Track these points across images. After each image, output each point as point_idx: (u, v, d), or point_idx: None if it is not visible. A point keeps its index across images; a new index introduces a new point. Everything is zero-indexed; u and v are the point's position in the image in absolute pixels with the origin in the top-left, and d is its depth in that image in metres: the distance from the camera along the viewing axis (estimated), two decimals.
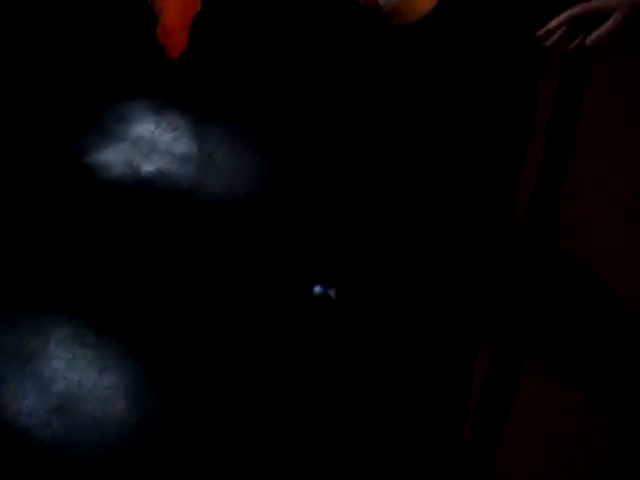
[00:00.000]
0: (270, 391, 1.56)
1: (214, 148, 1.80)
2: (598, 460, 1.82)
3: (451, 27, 1.82)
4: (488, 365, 1.74)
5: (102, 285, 1.66)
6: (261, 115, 1.83)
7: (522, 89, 1.91)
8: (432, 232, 1.71)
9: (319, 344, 1.58)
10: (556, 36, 1.40)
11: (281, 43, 1.88)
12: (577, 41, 1.45)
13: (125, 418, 1.52)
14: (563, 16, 1.41)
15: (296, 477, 1.48)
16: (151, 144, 1.80)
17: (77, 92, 1.86)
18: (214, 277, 1.67)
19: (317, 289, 1.60)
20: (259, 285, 1.66)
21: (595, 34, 1.40)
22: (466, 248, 1.72)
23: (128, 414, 1.52)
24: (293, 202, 1.74)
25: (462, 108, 1.85)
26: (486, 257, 1.75)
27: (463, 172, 1.78)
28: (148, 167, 1.78)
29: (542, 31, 1.41)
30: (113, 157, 1.79)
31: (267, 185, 1.77)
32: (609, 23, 1.40)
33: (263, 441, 1.51)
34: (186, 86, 1.85)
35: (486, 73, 1.88)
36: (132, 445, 1.50)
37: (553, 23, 1.41)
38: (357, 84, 1.83)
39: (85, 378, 1.55)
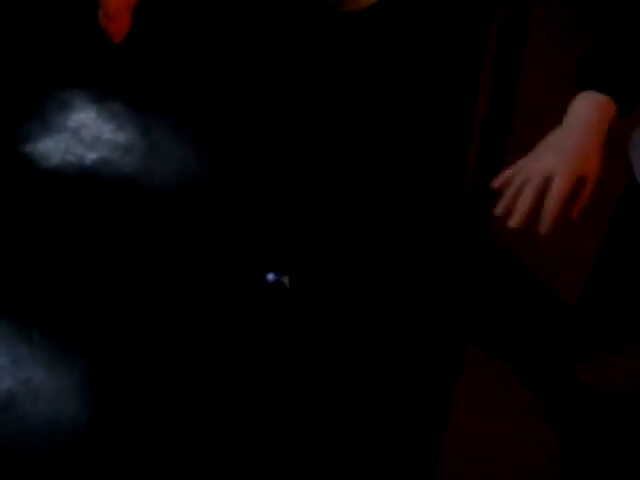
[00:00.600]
0: (224, 383, 1.54)
1: (158, 136, 1.76)
2: (540, 461, 1.86)
3: (400, 15, 1.82)
4: (433, 350, 1.75)
5: (47, 279, 1.61)
6: (205, 102, 1.80)
7: (465, 82, 1.93)
8: (384, 219, 1.71)
9: (275, 332, 1.57)
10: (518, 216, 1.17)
11: (226, 29, 1.85)
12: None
13: (76, 416, 1.48)
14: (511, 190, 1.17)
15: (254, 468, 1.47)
16: (94, 133, 1.75)
17: (15, 79, 1.80)
18: (162, 266, 1.64)
19: (270, 277, 1.58)
20: (210, 274, 1.63)
21: (543, 223, 1.18)
22: (415, 236, 1.73)
23: (79, 412, 1.48)
24: (241, 188, 1.71)
25: (408, 99, 1.85)
26: (434, 245, 1.75)
27: (412, 160, 1.79)
28: (91, 156, 1.74)
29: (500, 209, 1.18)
30: (54, 146, 1.74)
31: (214, 171, 1.74)
32: (550, 205, 1.15)
33: (215, 434, 1.49)
34: (129, 72, 1.80)
35: (433, 61, 1.89)
36: (83, 443, 1.46)
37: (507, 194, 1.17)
38: (305, 72, 1.81)
39: (33, 376, 1.51)
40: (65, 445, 1.46)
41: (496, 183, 1.15)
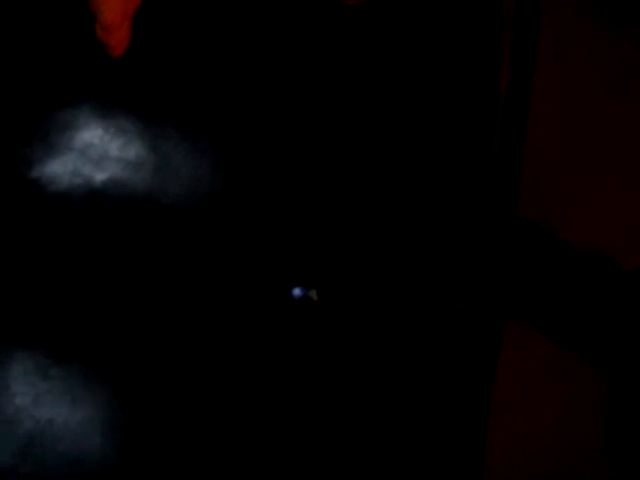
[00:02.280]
0: (252, 405, 1.49)
1: (169, 150, 1.70)
2: (590, 428, 1.81)
3: (410, 4, 1.76)
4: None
5: (61, 308, 1.56)
6: (215, 111, 1.74)
7: (484, 65, 1.86)
8: (410, 222, 1.65)
9: (304, 350, 1.51)
10: None
11: (232, 32, 1.78)
12: None
13: (103, 453, 1.42)
14: None
15: None
16: (101, 151, 1.69)
17: (14, 100, 1.75)
18: (183, 286, 1.59)
19: (296, 291, 1.52)
20: (233, 291, 1.58)
21: None
22: (445, 237, 1.67)
23: (106, 448, 1.43)
24: (258, 200, 1.65)
25: (424, 90, 1.78)
26: (466, 242, 1.70)
27: (436, 158, 1.72)
28: (100, 176, 1.68)
29: None
30: (60, 168, 1.69)
31: (229, 183, 1.68)
32: None
33: (246, 459, 1.43)
34: (133, 86, 1.74)
35: (446, 49, 1.82)
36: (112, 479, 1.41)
37: None
38: (316, 71, 1.75)
39: (55, 414, 1.45)
40: None
41: None
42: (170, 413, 1.46)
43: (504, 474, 1.69)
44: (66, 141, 1.71)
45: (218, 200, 1.65)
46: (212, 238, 1.62)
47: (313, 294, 1.52)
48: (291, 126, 1.72)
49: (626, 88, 2.19)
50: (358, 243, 1.60)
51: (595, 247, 1.83)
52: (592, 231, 1.87)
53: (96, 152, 1.69)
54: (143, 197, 1.67)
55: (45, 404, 1.45)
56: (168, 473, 1.39)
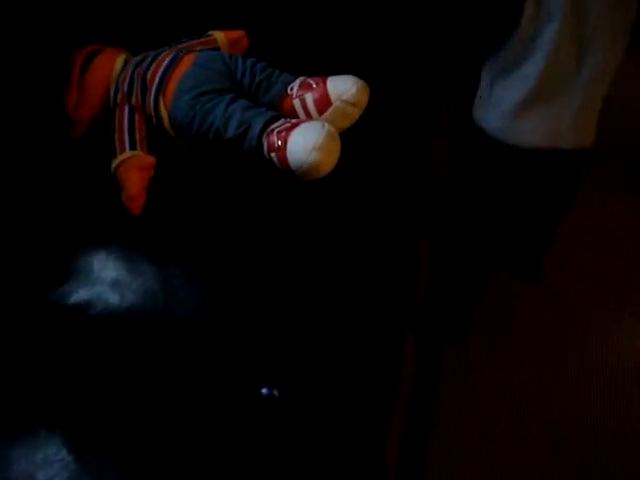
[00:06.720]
0: None
1: (177, 286, 2.19)
2: None
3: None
4: None
5: (93, 400, 1.97)
6: (212, 255, 2.25)
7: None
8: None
9: (271, 436, 1.94)
10: None
11: (221, 201, 2.30)
12: None
13: None
14: None
15: None
16: (124, 285, 2.18)
17: (63, 250, 2.24)
18: (182, 386, 2.01)
19: (264, 391, 1.97)
20: (218, 389, 2.02)
21: None
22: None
23: None
24: (242, 323, 2.12)
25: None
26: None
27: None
28: (125, 304, 2.16)
29: None
30: (93, 297, 2.16)
31: (220, 308, 2.15)
32: None
33: None
34: (149, 237, 2.26)
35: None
36: None
37: None
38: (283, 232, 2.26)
39: None
40: None
41: None
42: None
43: None
44: (101, 277, 2.21)
45: (211, 321, 2.13)
46: (205, 353, 2.07)
47: (276, 392, 1.96)
48: (269, 275, 2.20)
49: None
50: (311, 350, 2.05)
51: None
52: None
53: (120, 285, 2.18)
54: (158, 320, 2.15)
55: None
56: None
